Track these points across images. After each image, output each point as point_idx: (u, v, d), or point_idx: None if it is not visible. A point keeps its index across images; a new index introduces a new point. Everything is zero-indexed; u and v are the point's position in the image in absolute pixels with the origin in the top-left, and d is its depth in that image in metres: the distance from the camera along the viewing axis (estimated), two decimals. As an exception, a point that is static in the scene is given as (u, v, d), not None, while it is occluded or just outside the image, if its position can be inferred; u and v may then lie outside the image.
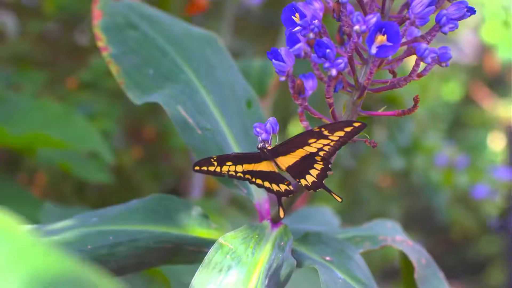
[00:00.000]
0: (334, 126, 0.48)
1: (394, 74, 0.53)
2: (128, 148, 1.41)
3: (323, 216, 0.80)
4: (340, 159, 1.61)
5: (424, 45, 0.47)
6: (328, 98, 0.50)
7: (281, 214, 0.54)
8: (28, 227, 0.56)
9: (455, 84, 2.84)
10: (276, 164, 0.52)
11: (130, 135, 1.49)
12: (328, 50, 0.47)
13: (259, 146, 0.51)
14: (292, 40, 0.52)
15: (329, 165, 0.50)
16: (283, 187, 0.53)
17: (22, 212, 0.88)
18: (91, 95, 1.27)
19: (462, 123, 2.81)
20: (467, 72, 2.95)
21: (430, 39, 0.50)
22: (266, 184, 0.53)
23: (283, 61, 0.50)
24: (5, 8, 1.44)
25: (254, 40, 1.48)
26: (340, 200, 0.52)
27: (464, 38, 3.05)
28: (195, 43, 0.66)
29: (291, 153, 0.51)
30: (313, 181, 0.51)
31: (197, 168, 0.53)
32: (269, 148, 0.51)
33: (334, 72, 0.47)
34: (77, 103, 1.25)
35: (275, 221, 0.55)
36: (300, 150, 0.50)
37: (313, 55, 0.48)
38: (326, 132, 0.48)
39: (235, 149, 0.60)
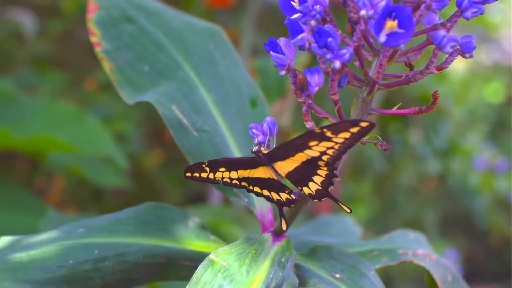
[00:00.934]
0: (338, 127, 0.42)
1: (410, 67, 0.47)
2: (149, 151, 1.36)
3: (344, 225, 0.74)
4: (372, 162, 1.54)
5: (442, 32, 0.41)
6: (333, 94, 0.43)
7: (284, 226, 0.48)
8: (8, 239, 0.51)
9: (498, 84, 2.74)
10: (275, 170, 0.45)
11: (151, 138, 1.44)
12: (330, 39, 0.41)
13: (253, 150, 0.45)
14: (295, 30, 0.46)
15: (335, 171, 0.44)
16: (284, 196, 0.47)
17: (24, 220, 0.83)
18: (109, 97, 1.22)
19: (505, 125, 2.71)
20: (510, 72, 2.85)
21: (451, 26, 0.44)
22: (265, 192, 0.47)
23: (282, 53, 0.44)
24: (23, 8, 1.40)
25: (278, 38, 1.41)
26: (349, 211, 0.46)
27: (506, 38, 2.96)
28: (196, 37, 0.60)
29: (290, 158, 0.44)
30: (317, 189, 0.45)
31: (188, 174, 0.48)
32: (265, 151, 0.45)
33: (337, 64, 0.41)
34: (95, 105, 1.21)
35: (278, 233, 0.49)
36: (300, 154, 0.44)
37: (313, 45, 0.42)
38: (329, 134, 0.42)
39: (236, 153, 0.54)
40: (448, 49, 0.41)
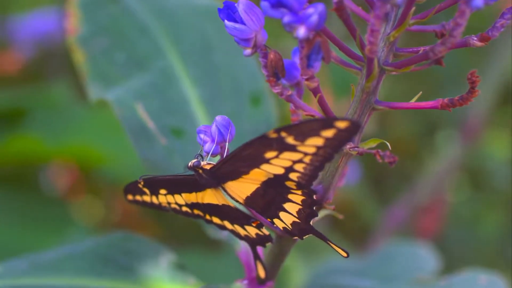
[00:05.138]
0: (303, 129, 0.26)
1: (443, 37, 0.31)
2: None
3: (412, 259, 0.57)
4: (491, 173, 1.33)
5: (466, -24, 0.25)
6: (307, 79, 0.29)
7: (261, 273, 0.34)
8: None
9: None
10: (228, 194, 0.31)
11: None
12: (285, -8, 0.26)
13: (189, 165, 0.30)
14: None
15: (314, 195, 0.29)
16: (252, 230, 0.32)
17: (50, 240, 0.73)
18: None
19: None
20: None
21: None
22: (227, 225, 0.32)
23: (241, 22, 0.30)
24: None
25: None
26: (345, 255, 0.30)
27: None
28: (193, 18, 0.47)
29: (243, 176, 0.29)
30: (294, 222, 0.30)
31: (130, 197, 0.34)
32: (207, 167, 0.30)
33: (301, 31, 0.26)
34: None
35: (261, 281, 0.35)
36: (256, 170, 0.29)
37: (264, 4, 0.27)
38: (290, 140, 0.27)
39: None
40: (480, 2, 0.26)
